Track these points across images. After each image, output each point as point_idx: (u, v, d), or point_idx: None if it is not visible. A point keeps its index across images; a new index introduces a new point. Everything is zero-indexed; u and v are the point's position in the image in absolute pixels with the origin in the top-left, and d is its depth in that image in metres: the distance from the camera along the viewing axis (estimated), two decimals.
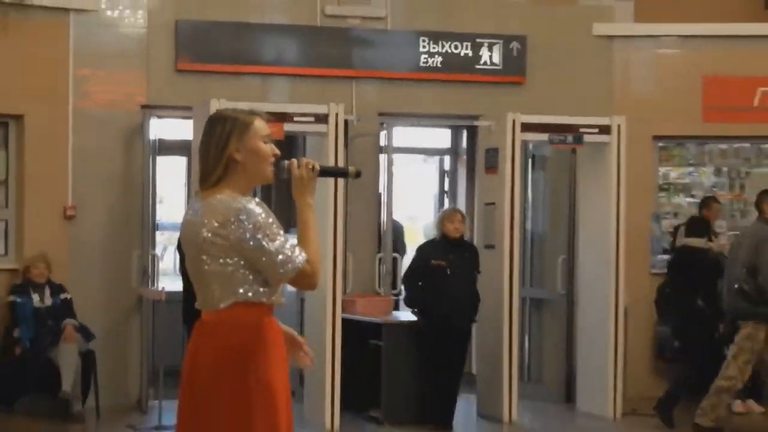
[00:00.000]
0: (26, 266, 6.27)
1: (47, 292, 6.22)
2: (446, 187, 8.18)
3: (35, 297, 6.18)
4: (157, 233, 7.07)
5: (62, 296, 6.24)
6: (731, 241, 6.39)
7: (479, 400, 6.16)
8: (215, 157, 1.83)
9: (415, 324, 6.02)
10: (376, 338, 5.97)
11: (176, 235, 5.35)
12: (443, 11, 7.16)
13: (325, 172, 2.03)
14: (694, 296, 5.76)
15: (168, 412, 5.53)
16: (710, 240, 6.15)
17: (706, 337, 5.81)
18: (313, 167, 1.86)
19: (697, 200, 7.06)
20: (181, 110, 6.55)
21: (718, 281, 5.76)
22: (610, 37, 7.29)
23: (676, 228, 6.73)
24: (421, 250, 6.10)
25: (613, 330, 6.11)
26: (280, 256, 1.77)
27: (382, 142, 6.89)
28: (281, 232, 1.78)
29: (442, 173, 8.32)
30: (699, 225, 6.08)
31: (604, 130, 5.97)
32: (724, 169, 7.29)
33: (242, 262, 1.80)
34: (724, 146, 7.24)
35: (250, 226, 1.76)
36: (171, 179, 7.77)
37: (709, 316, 5.72)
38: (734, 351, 5.19)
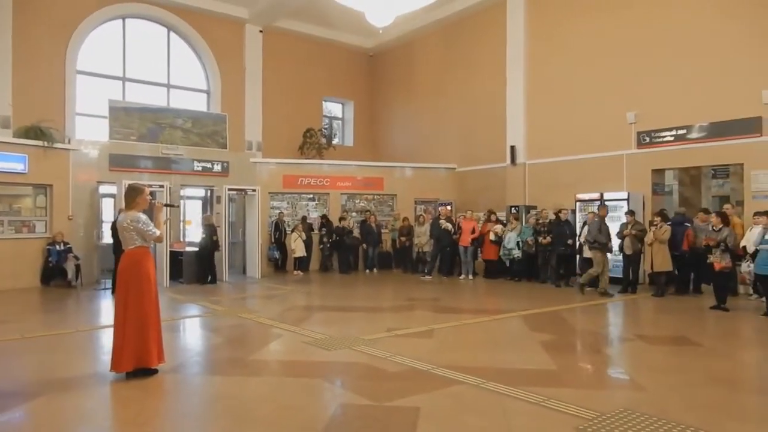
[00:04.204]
0: (54, 235, 12.48)
1: (62, 244, 12.47)
2: (206, 209, 15.76)
3: (57, 246, 12.34)
4: (103, 224, 13.54)
5: (67, 245, 12.52)
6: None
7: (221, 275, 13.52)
8: (131, 199, 5.07)
9: (197, 250, 13.53)
10: (181, 256, 13.68)
11: (109, 225, 12.13)
12: (201, 153, 14.91)
13: (166, 204, 5.52)
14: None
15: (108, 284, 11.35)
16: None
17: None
18: (160, 203, 5.19)
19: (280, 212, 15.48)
20: (111, 183, 13.17)
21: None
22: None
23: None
24: (208, 226, 13.63)
25: (257, 251, 14.31)
26: (150, 231, 4.95)
27: (182, 193, 14.70)
28: (151, 224, 4.99)
29: (204, 204, 15.96)
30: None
31: (254, 190, 14.53)
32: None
33: (136, 234, 4.96)
34: (293, 195, 16.13)
35: (141, 221, 4.93)
36: (107, 206, 13.75)
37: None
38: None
